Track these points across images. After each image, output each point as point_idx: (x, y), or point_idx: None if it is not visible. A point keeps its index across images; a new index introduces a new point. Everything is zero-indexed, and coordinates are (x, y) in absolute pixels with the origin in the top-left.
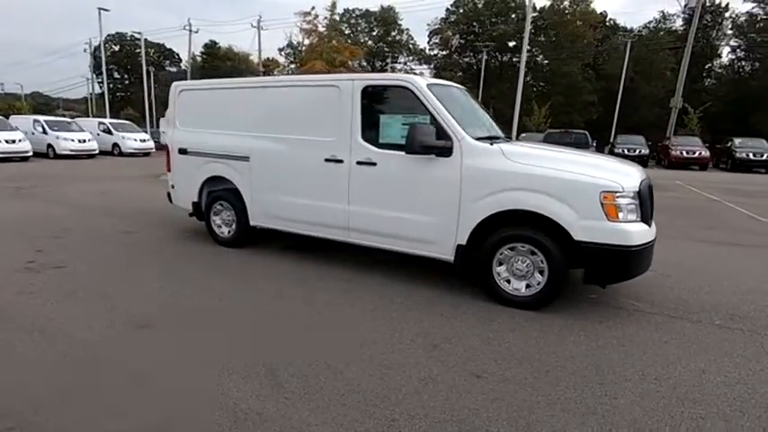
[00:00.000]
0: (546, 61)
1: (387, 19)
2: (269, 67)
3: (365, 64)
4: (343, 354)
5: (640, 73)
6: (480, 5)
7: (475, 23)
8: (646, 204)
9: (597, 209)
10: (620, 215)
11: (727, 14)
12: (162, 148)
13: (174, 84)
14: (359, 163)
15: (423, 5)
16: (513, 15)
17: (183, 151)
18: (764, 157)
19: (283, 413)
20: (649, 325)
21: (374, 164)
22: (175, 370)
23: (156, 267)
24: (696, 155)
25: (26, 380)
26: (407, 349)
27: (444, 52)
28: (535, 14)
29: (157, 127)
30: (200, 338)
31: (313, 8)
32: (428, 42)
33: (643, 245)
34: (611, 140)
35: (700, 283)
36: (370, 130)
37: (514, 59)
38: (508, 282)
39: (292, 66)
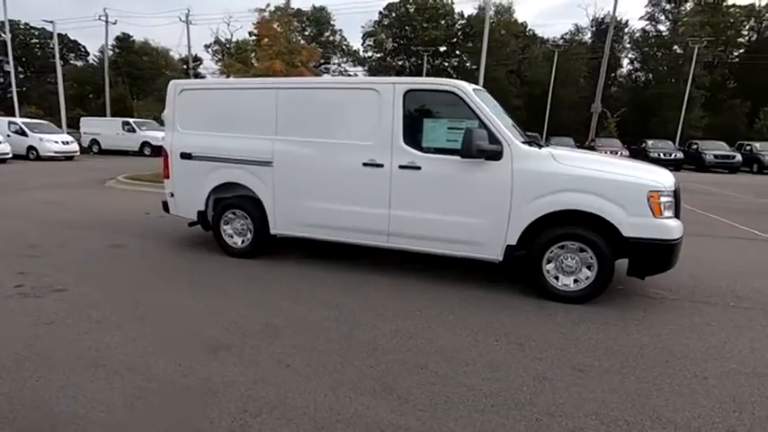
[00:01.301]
0: (474, 66)
1: (319, 19)
2: (195, 63)
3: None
4: (443, 361)
5: (558, 80)
6: (412, 11)
7: (407, 27)
8: (678, 202)
9: (645, 207)
10: (664, 212)
11: (626, 29)
12: (86, 151)
13: (173, 83)
14: (401, 167)
15: (355, 8)
16: (443, 21)
17: (186, 156)
18: (672, 157)
19: (429, 426)
20: (684, 311)
21: (418, 168)
22: (301, 393)
23: (180, 284)
24: (619, 154)
25: None
26: (500, 350)
27: (378, 54)
28: (463, 22)
29: (76, 128)
30: (298, 358)
31: (268, 5)
32: (362, 44)
33: (679, 239)
34: (545, 142)
35: (692, 270)
36: (412, 134)
37: (445, 63)
38: (556, 278)
39: (219, 64)
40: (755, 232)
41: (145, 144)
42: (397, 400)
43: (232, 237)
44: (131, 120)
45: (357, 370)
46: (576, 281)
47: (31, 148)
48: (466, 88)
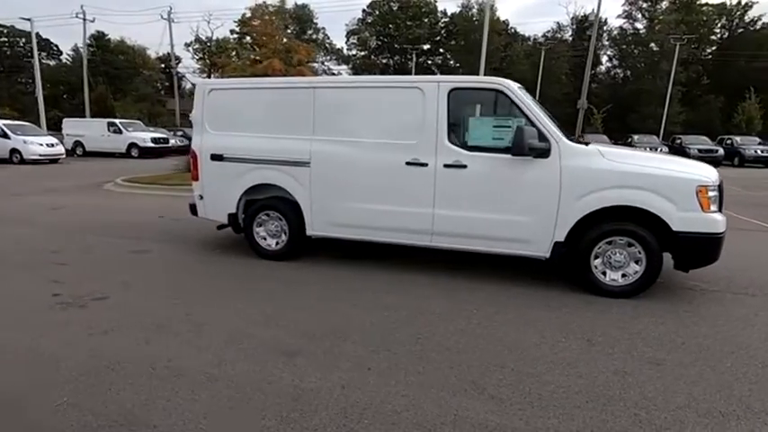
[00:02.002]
0: (458, 65)
1: (302, 17)
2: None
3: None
4: (520, 359)
5: (542, 77)
6: (395, 8)
7: (391, 25)
8: (722, 197)
9: (693, 201)
10: (711, 206)
11: (605, 27)
12: (70, 153)
13: (201, 82)
14: (446, 166)
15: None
16: (426, 20)
17: (217, 157)
18: (658, 151)
19: (534, 425)
20: (728, 302)
21: (464, 166)
22: (393, 395)
23: (222, 289)
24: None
25: None
26: (570, 346)
27: (363, 53)
28: (446, 20)
29: (55, 129)
30: (375, 360)
31: (264, 2)
32: (346, 42)
33: (724, 232)
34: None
35: (725, 262)
36: (457, 133)
37: (429, 62)
38: (604, 274)
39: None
40: (762, 224)
41: (132, 145)
42: (492, 399)
43: (265, 239)
44: (117, 120)
45: (439, 371)
46: (623, 275)
47: (14, 151)
48: (512, 86)
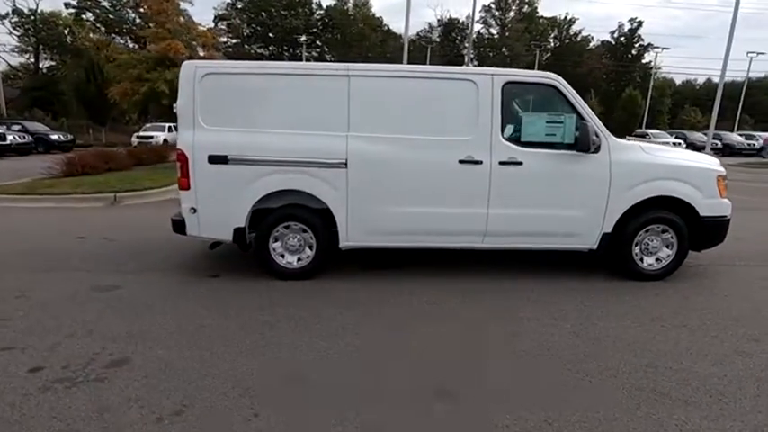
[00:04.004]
0: (335, 58)
1: None
2: None
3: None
4: (651, 354)
5: None
6: None
7: (264, 13)
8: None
9: (714, 189)
10: (724, 193)
11: (467, 31)
12: None
13: (190, 64)
14: (501, 163)
15: None
16: (301, 10)
17: (218, 159)
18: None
19: (753, 424)
20: (744, 274)
21: (519, 163)
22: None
23: (274, 326)
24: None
25: None
26: (675, 333)
27: (235, 41)
28: (321, 12)
29: None
30: (536, 372)
31: None
32: (214, 28)
33: (730, 215)
34: None
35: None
36: (510, 129)
37: (306, 54)
38: (641, 260)
39: (21, 39)
40: None
41: None
42: (685, 404)
43: (283, 256)
44: None
45: (613, 380)
46: (657, 260)
47: None
48: (563, 81)
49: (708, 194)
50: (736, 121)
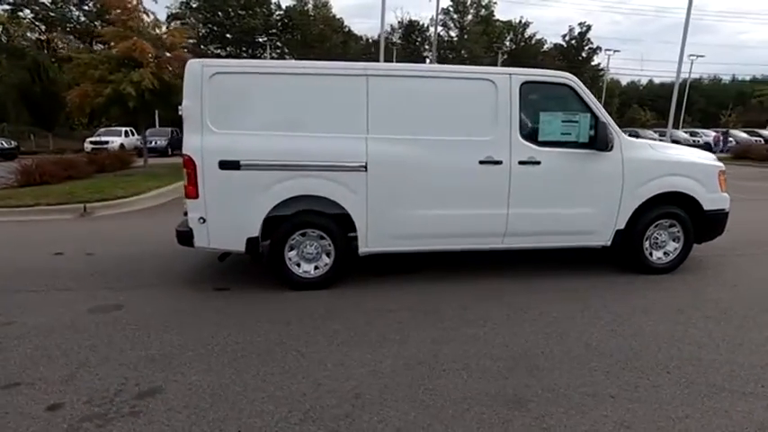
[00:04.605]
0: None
1: None
2: None
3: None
4: (683, 349)
5: None
6: None
7: (220, 13)
8: None
9: (716, 184)
10: (725, 187)
11: (427, 33)
12: None
13: (198, 63)
14: (521, 163)
15: None
16: (259, 10)
17: (229, 165)
18: None
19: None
20: (741, 263)
21: (538, 162)
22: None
23: (315, 339)
24: None
25: None
26: (710, 325)
27: (192, 40)
28: (281, 13)
29: None
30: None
31: None
32: (167, 27)
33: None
34: None
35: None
36: (527, 128)
37: (266, 56)
38: (650, 254)
39: None
40: None
41: None
42: (743, 396)
43: (299, 265)
44: None
45: (667, 375)
46: (665, 253)
47: None
48: (578, 81)
49: (711, 189)
50: (681, 119)
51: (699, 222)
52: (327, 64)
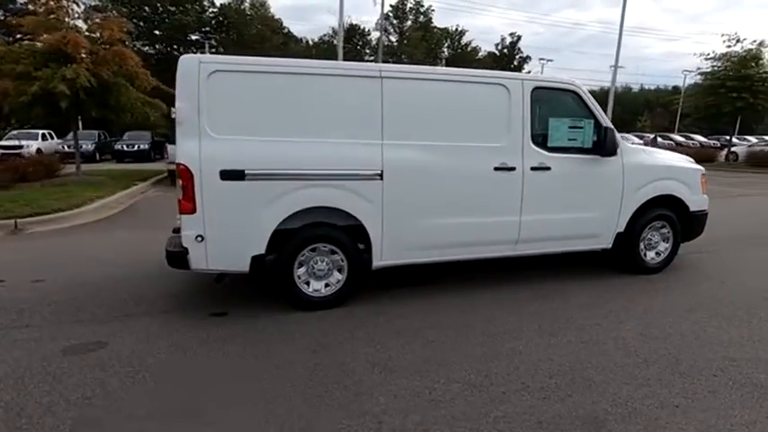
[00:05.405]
0: None
1: None
2: None
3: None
4: (696, 350)
5: None
6: None
7: (147, 8)
8: None
9: (699, 186)
10: (705, 189)
11: (368, 37)
12: None
13: (194, 59)
14: (533, 169)
15: None
16: (191, 6)
17: (233, 175)
18: None
19: None
20: (722, 258)
21: (548, 168)
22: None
23: (351, 370)
24: None
25: None
26: (727, 327)
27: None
28: (214, 10)
29: None
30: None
31: None
32: (85, 21)
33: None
34: None
35: None
36: (537, 134)
37: (200, 54)
38: (645, 255)
39: None
40: None
41: None
42: None
43: (309, 283)
44: None
45: (715, 379)
46: (657, 254)
47: None
48: (583, 88)
49: (695, 191)
50: None
51: (685, 223)
52: (341, 63)
